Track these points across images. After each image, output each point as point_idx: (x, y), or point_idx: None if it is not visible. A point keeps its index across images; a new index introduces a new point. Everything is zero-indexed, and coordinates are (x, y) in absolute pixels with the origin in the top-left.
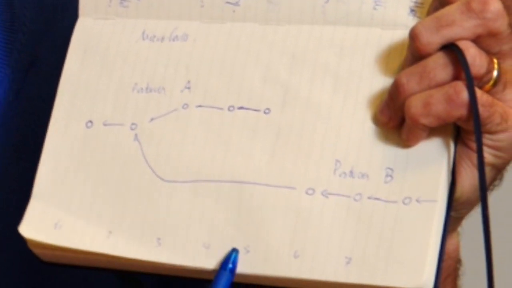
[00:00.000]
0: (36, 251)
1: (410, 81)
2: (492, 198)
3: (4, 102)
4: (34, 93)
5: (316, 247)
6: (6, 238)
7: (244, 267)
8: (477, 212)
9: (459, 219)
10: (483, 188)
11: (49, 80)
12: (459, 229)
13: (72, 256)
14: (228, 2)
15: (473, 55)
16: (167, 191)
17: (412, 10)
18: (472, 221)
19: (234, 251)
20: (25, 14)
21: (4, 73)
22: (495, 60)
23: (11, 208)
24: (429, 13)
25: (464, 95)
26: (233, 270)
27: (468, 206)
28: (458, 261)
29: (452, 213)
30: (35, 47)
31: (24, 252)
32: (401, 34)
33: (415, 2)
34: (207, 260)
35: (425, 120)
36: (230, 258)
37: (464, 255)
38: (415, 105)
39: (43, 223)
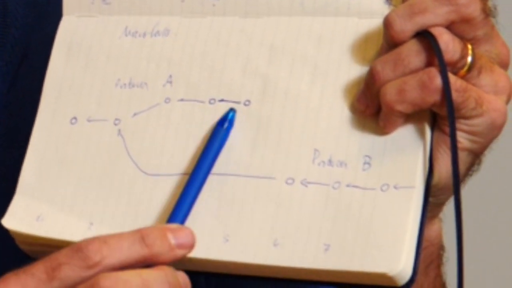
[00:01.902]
0: (24, 247)
1: (385, 69)
2: (471, 183)
3: None
4: (27, 85)
5: (295, 235)
6: None
7: (223, 254)
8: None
9: (439, 205)
10: (456, 174)
11: (41, 73)
12: (441, 216)
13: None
14: None
15: (446, 41)
16: (149, 185)
17: None
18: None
19: (231, 110)
20: (17, 8)
21: None
22: (469, 46)
23: (3, 198)
24: (404, 0)
25: (438, 81)
26: (229, 129)
27: (446, 192)
28: (441, 248)
29: (431, 199)
30: (27, 40)
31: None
32: (377, 22)
33: None
34: None
35: (400, 107)
36: (227, 117)
37: (447, 242)
38: (390, 92)
39: (26, 216)
